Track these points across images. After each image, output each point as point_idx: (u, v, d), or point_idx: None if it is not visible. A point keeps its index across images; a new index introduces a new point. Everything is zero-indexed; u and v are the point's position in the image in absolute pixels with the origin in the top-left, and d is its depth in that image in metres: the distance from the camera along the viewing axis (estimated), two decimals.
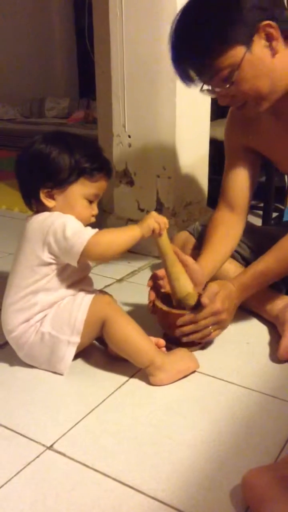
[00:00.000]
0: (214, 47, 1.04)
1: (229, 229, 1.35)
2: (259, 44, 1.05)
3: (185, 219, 1.87)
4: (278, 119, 1.22)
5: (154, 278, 1.26)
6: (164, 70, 1.64)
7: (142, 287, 1.55)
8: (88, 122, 4.80)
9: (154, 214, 1.11)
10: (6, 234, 2.15)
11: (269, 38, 1.04)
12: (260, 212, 2.25)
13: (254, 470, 0.80)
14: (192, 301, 1.18)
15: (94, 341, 1.22)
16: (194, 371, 1.14)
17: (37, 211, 1.13)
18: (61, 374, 1.13)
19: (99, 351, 1.23)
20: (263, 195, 2.17)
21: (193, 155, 1.87)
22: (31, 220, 1.11)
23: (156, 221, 1.10)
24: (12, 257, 1.15)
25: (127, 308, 1.43)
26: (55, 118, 5.37)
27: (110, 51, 1.77)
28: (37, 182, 1.09)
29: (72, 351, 1.11)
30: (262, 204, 2.22)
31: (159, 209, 1.86)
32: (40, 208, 1.12)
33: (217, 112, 2.09)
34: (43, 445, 0.93)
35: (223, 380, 1.12)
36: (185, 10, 1.08)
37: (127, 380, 1.12)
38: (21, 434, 0.95)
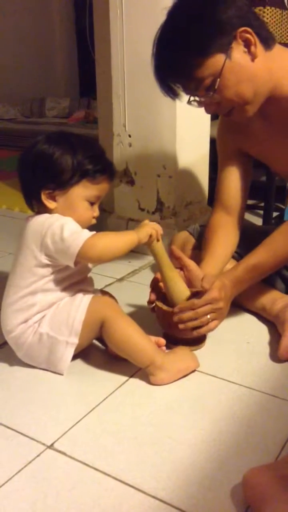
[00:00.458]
0: (194, 60, 1.07)
1: (227, 232, 1.36)
2: (238, 50, 1.07)
3: (185, 218, 1.87)
4: (266, 121, 1.24)
5: (155, 281, 1.27)
6: None
7: (142, 286, 1.55)
8: (89, 122, 4.80)
9: (149, 222, 1.12)
10: (6, 234, 2.15)
11: (247, 44, 1.08)
12: (261, 212, 2.25)
13: (255, 469, 0.80)
14: None
15: (95, 341, 1.22)
16: (194, 370, 1.14)
17: (38, 212, 1.12)
18: (61, 374, 1.13)
19: (99, 350, 1.23)
20: (263, 194, 2.17)
21: (194, 155, 1.87)
22: (30, 221, 1.10)
23: (152, 227, 1.10)
24: (12, 257, 1.15)
25: (127, 308, 1.43)
26: (56, 118, 5.37)
27: (110, 51, 1.77)
28: (39, 183, 1.09)
29: (71, 352, 1.11)
30: (262, 204, 2.23)
31: (160, 208, 1.86)
32: (41, 209, 1.11)
33: None
34: (44, 444, 0.93)
35: (223, 379, 1.12)
36: (163, 28, 1.11)
37: (127, 380, 1.12)
38: (21, 433, 0.96)
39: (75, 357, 1.13)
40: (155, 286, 1.26)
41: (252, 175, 1.41)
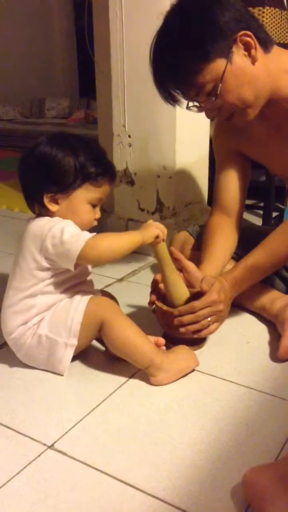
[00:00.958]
0: (195, 65, 1.06)
1: (226, 233, 1.36)
2: (239, 54, 1.07)
3: (185, 218, 1.88)
4: (264, 123, 1.23)
5: (155, 283, 1.27)
6: None
7: (142, 286, 1.56)
8: (89, 122, 4.80)
9: (153, 222, 1.11)
10: (6, 234, 2.15)
11: (247, 47, 1.07)
12: (261, 212, 2.25)
13: (255, 468, 0.80)
14: None
15: (94, 342, 1.22)
16: (194, 370, 1.14)
17: (40, 214, 1.12)
18: (61, 375, 1.13)
19: (99, 351, 1.23)
20: (263, 194, 2.17)
21: (194, 155, 1.87)
22: (31, 224, 1.10)
23: (157, 228, 1.09)
24: (12, 257, 1.15)
25: (127, 308, 1.43)
26: (55, 118, 5.38)
27: (110, 51, 1.77)
28: (41, 186, 1.08)
29: (70, 353, 1.11)
30: (262, 204, 2.23)
31: (159, 209, 1.86)
32: (43, 211, 1.11)
33: None
34: (44, 444, 0.93)
35: (223, 379, 1.12)
36: (161, 32, 1.09)
37: (127, 380, 1.12)
38: (22, 434, 0.96)
39: (75, 358, 1.13)
40: (155, 287, 1.26)
41: (250, 175, 1.41)
